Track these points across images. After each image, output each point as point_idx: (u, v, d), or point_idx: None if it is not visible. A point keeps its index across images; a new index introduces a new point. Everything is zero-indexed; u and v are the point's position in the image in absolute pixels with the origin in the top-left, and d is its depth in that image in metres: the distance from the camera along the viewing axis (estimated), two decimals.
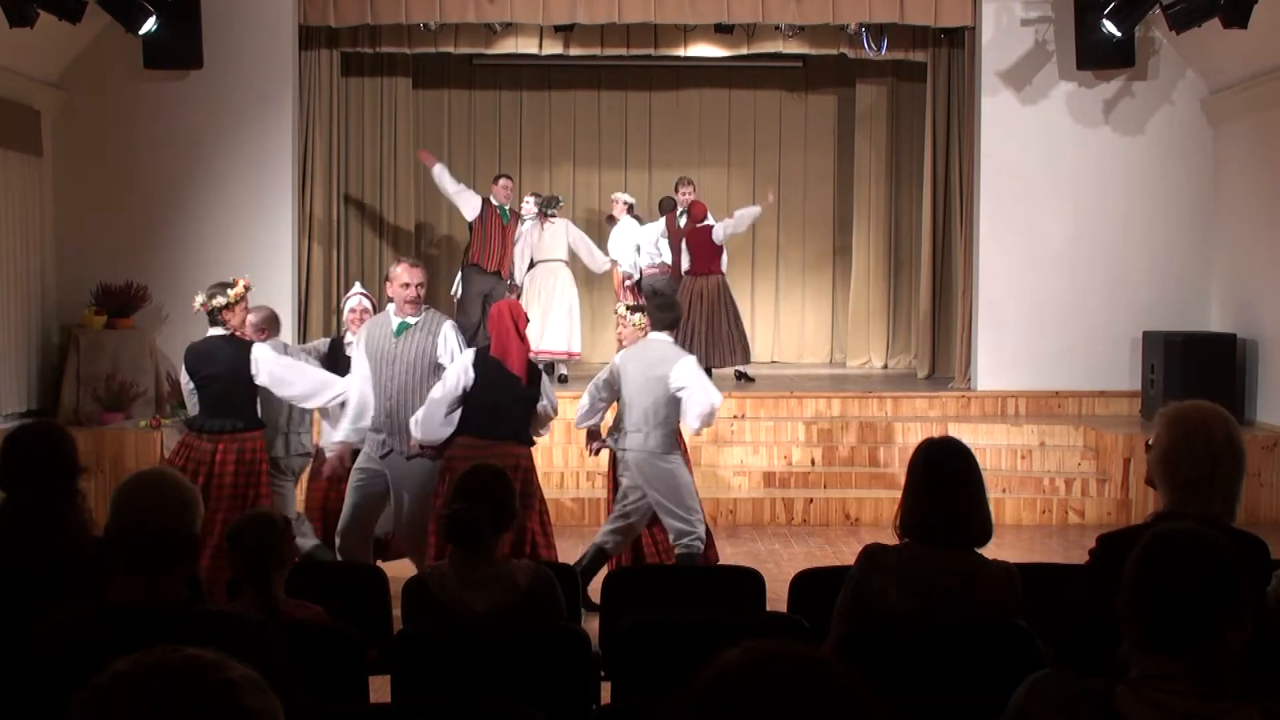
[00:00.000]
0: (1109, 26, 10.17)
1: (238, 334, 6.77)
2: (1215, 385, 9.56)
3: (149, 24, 9.76)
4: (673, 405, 6.72)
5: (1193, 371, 9.99)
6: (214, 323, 6.71)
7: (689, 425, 6.77)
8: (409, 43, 11.88)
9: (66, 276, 10.70)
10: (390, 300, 6.67)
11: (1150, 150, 11.11)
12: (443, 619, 3.84)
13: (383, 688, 3.88)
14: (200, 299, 6.77)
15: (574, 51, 12.17)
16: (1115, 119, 11.09)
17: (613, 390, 6.89)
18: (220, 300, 6.68)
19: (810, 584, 4.61)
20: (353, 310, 7.43)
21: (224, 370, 6.63)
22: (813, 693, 1.45)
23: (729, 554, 8.48)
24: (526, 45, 11.98)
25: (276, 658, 2.61)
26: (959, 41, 11.57)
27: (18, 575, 3.57)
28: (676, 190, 11.98)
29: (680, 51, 12.27)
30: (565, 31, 11.81)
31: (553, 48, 12.02)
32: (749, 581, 4.82)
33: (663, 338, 6.88)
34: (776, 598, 5.15)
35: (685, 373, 6.67)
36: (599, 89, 14.31)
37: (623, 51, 12.26)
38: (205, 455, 6.58)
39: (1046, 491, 9.83)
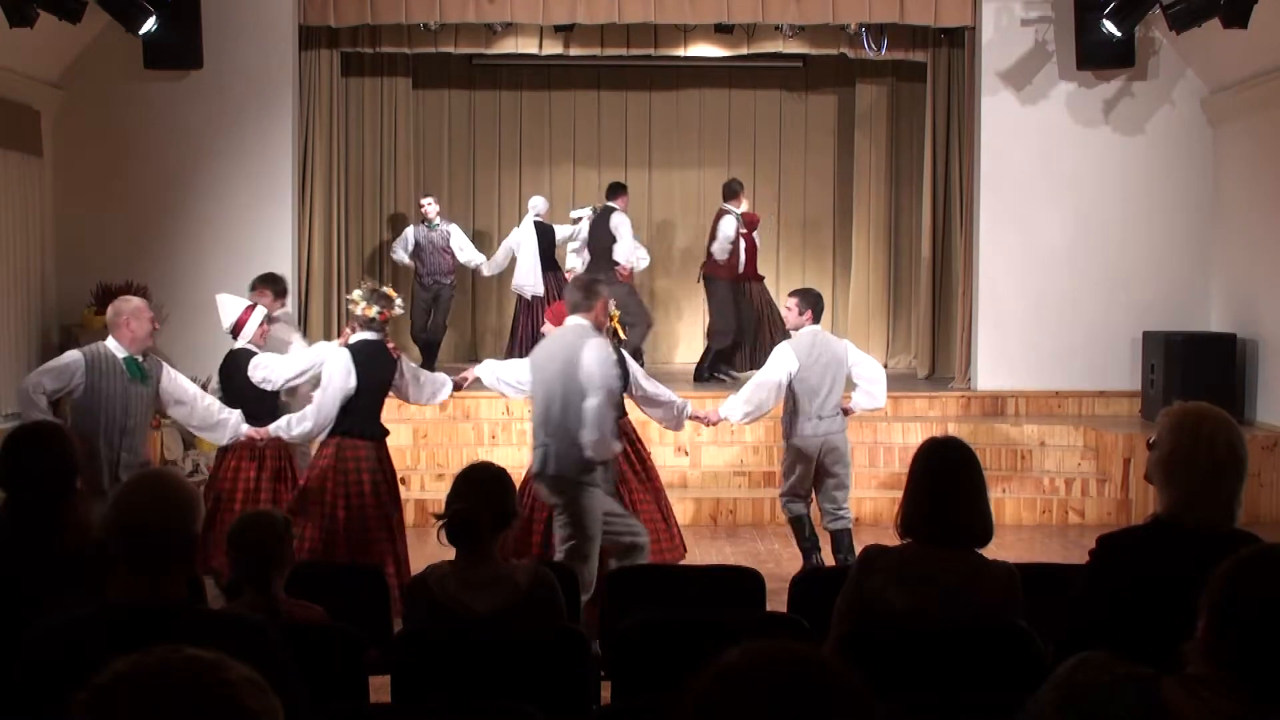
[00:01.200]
0: (1109, 26, 10.17)
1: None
2: (1215, 385, 9.57)
3: (149, 24, 9.77)
4: None
5: (1193, 371, 10.00)
6: (372, 328, 6.51)
7: (875, 401, 7.38)
8: (409, 43, 11.88)
9: (66, 276, 10.71)
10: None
11: (1150, 150, 11.10)
12: (443, 619, 3.84)
13: (383, 688, 3.88)
14: (373, 307, 6.47)
15: (574, 51, 12.17)
16: (1115, 119, 11.08)
17: (784, 386, 7.22)
18: (400, 304, 6.74)
19: (810, 584, 4.62)
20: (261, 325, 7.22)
21: (389, 375, 6.62)
22: (813, 693, 1.45)
23: (729, 554, 8.50)
24: (526, 45, 11.98)
25: (276, 658, 2.60)
26: (959, 41, 11.57)
27: (18, 575, 3.57)
28: (739, 196, 11.71)
29: (680, 51, 12.26)
30: (565, 31, 11.80)
31: (553, 48, 12.02)
32: (749, 581, 4.82)
33: (819, 327, 7.39)
34: (776, 598, 5.15)
35: (855, 351, 7.47)
36: (599, 89, 14.30)
37: (623, 51, 12.25)
38: (386, 462, 6.58)
39: (1046, 491, 9.83)
